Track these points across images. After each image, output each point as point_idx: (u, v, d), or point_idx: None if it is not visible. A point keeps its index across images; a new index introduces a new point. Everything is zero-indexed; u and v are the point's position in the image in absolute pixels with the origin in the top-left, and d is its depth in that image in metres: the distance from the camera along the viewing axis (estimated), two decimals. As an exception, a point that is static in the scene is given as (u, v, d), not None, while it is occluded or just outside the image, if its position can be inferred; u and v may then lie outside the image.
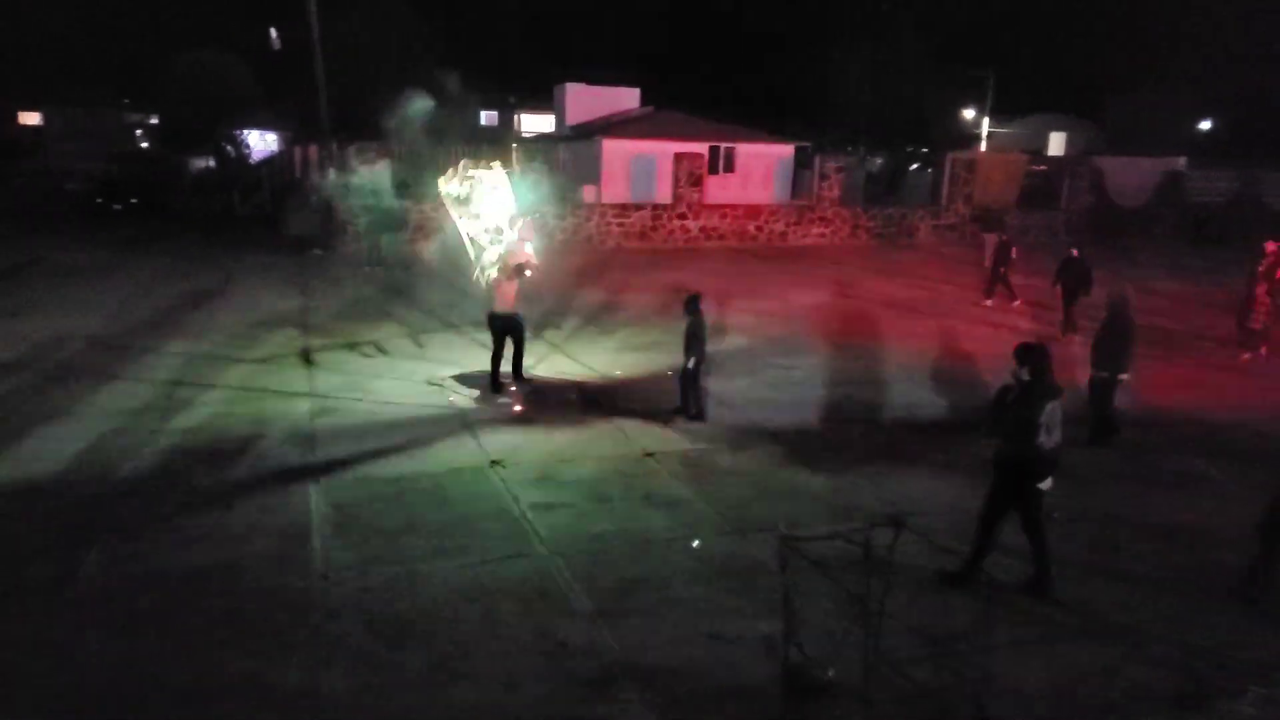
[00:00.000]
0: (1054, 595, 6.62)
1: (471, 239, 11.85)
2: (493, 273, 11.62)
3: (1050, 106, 54.87)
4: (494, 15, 55.45)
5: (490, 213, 11.89)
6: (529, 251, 11.91)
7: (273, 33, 26.75)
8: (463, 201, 11.86)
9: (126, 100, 66.98)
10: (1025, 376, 6.51)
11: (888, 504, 8.13)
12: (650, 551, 7.24)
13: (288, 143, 47.60)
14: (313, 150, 31.11)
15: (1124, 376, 9.96)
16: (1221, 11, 47.12)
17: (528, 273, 11.74)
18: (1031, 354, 6.53)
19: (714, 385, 11.88)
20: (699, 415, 10.62)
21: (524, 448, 9.61)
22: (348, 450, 9.36)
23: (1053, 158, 42.72)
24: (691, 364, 10.51)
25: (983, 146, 47.69)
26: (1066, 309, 15.56)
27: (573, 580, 6.72)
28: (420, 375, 12.38)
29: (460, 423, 10.41)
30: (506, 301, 11.60)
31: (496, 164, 11.98)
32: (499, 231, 11.84)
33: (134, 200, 36.16)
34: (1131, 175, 33.73)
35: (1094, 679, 5.70)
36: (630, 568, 6.95)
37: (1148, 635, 6.19)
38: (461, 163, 12.16)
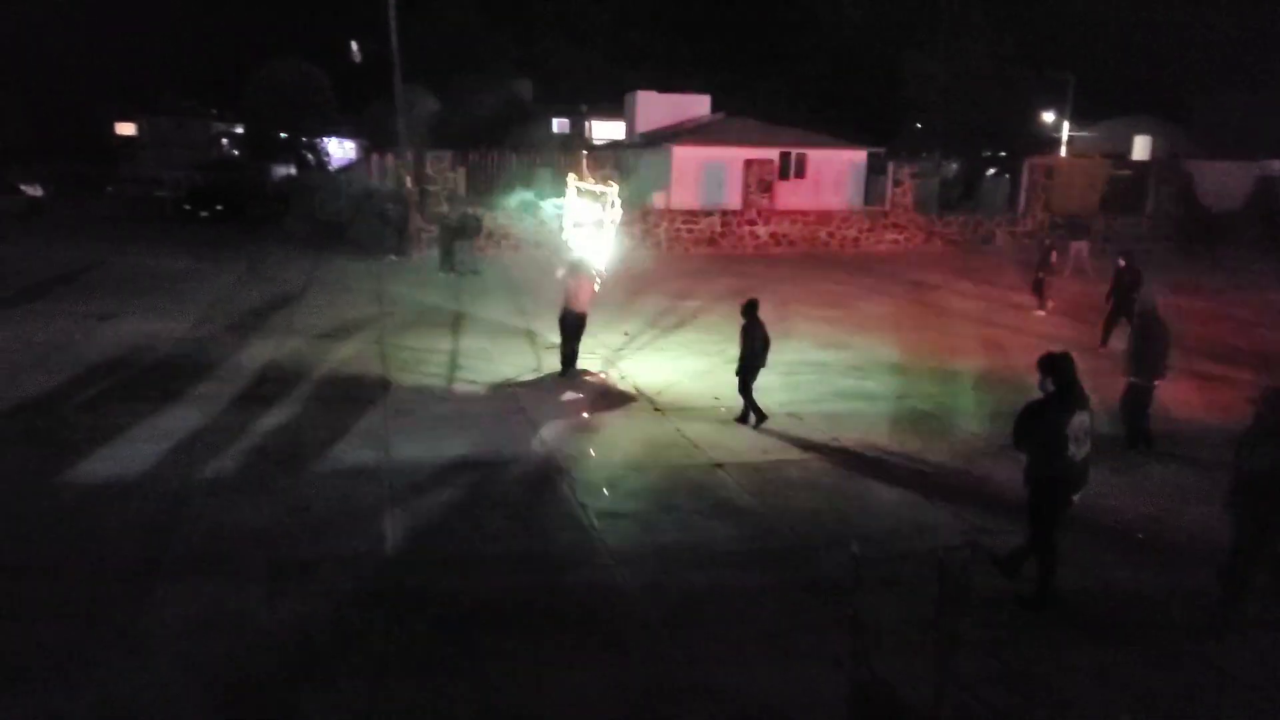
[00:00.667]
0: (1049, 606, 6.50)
1: (573, 245, 13.26)
2: (567, 272, 12.64)
3: (1134, 109, 53.11)
4: (567, 25, 55.96)
5: (588, 220, 13.36)
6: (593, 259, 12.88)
7: (353, 45, 27.42)
8: (579, 210, 13.56)
9: (214, 110, 69.37)
10: (1050, 387, 6.40)
11: (963, 521, 7.97)
12: (718, 564, 7.22)
13: (365, 150, 48.69)
14: (390, 158, 31.79)
15: (1159, 382, 9.94)
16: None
17: (598, 273, 12.68)
18: (1056, 364, 6.42)
19: (784, 395, 11.81)
20: (749, 419, 10.68)
21: (592, 455, 9.67)
22: (420, 454, 9.54)
23: (1137, 162, 41.35)
24: (738, 369, 10.68)
25: (1063, 151, 46.44)
26: (1111, 320, 14.79)
27: (639, 590, 6.73)
28: (492, 379, 12.55)
29: (530, 428, 10.52)
30: (580, 301, 12.37)
31: (608, 182, 13.68)
32: (589, 235, 13.17)
33: (219, 207, 37.46)
34: (1222, 179, 32.45)
35: (1172, 709, 5.50)
36: (697, 579, 6.93)
37: (1231, 667, 5.95)
38: (573, 176, 13.79)
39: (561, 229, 13.85)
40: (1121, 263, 15.02)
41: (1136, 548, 7.61)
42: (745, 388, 10.68)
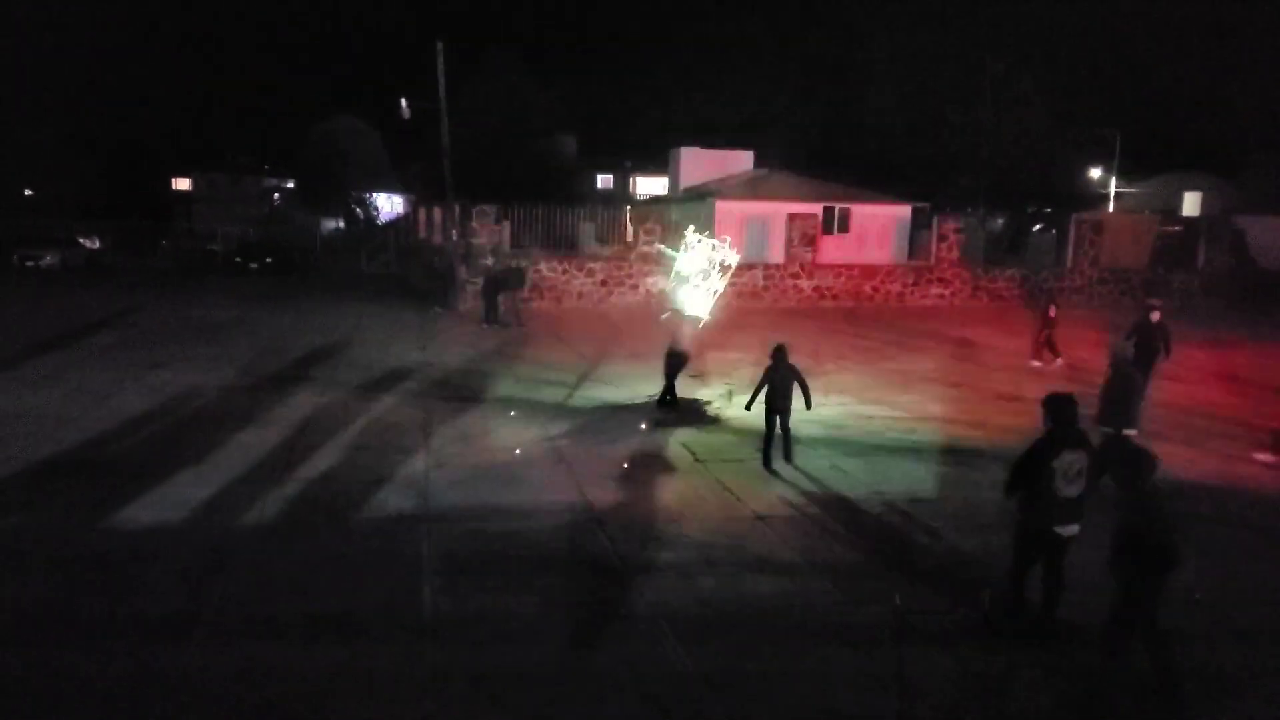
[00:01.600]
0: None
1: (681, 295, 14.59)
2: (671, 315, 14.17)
3: (1184, 165, 52.57)
4: (612, 82, 57.15)
5: (699, 269, 14.67)
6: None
7: (403, 103, 28.15)
8: (691, 262, 14.81)
9: (267, 166, 71.50)
10: (1050, 424, 6.66)
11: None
12: (760, 619, 7.01)
13: (413, 204, 49.67)
14: (436, 212, 32.34)
15: (1129, 432, 9.68)
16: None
17: (698, 318, 14.33)
18: (1054, 403, 6.73)
19: (828, 448, 11.65)
20: (770, 462, 10.83)
21: (630, 506, 9.54)
22: (459, 503, 9.48)
23: (1187, 218, 40.81)
24: (750, 408, 11.11)
25: (1110, 207, 46.02)
26: (1148, 375, 14.50)
27: (679, 645, 6.55)
28: (531, 431, 12.51)
29: (568, 478, 10.43)
30: (682, 341, 13.76)
31: (721, 239, 15.14)
32: (702, 280, 14.63)
33: (268, 260, 38.45)
34: (1276, 236, 31.90)
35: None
36: (739, 635, 6.73)
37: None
38: (692, 230, 15.55)
39: (673, 277, 15.39)
40: (1156, 316, 14.91)
41: (1199, 610, 7.26)
42: (769, 430, 10.88)
